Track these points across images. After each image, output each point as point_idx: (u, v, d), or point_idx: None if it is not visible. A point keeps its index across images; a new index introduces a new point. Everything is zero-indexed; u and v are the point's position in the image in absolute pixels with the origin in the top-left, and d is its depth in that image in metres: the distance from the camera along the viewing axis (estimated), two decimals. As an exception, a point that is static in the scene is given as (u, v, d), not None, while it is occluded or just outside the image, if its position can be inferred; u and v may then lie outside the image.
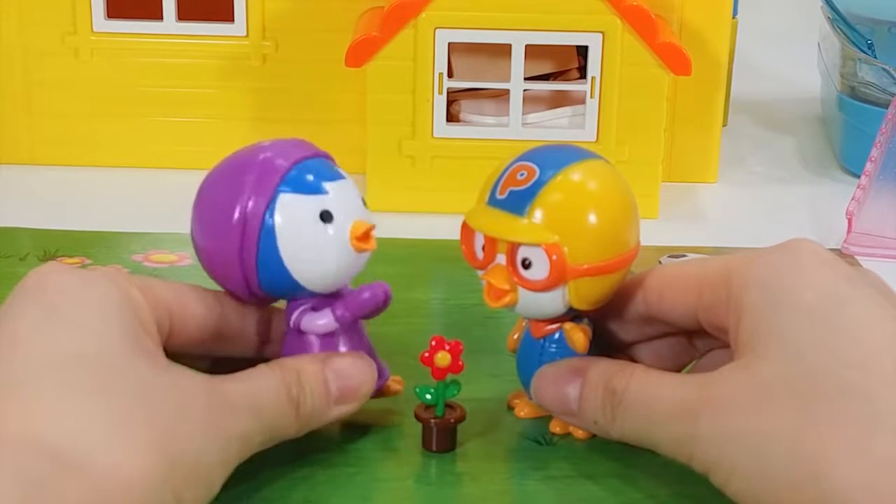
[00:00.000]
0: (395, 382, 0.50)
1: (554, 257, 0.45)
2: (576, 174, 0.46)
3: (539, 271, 0.45)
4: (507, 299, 0.46)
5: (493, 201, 0.46)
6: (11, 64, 0.75)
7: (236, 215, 0.45)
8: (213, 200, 0.46)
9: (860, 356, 0.40)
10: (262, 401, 0.44)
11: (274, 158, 0.46)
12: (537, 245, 0.45)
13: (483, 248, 0.47)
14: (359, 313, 0.47)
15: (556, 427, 0.49)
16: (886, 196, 0.69)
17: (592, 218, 0.45)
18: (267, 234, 0.45)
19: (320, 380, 0.45)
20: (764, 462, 0.40)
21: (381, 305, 0.47)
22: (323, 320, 0.47)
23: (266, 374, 0.44)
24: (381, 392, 0.49)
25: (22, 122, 0.76)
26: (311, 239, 0.45)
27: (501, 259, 0.46)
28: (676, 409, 0.43)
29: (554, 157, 0.47)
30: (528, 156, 0.47)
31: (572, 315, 0.48)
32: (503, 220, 0.46)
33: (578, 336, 0.47)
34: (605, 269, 0.46)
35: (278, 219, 0.45)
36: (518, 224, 0.46)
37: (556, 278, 0.45)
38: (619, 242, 0.46)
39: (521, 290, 0.46)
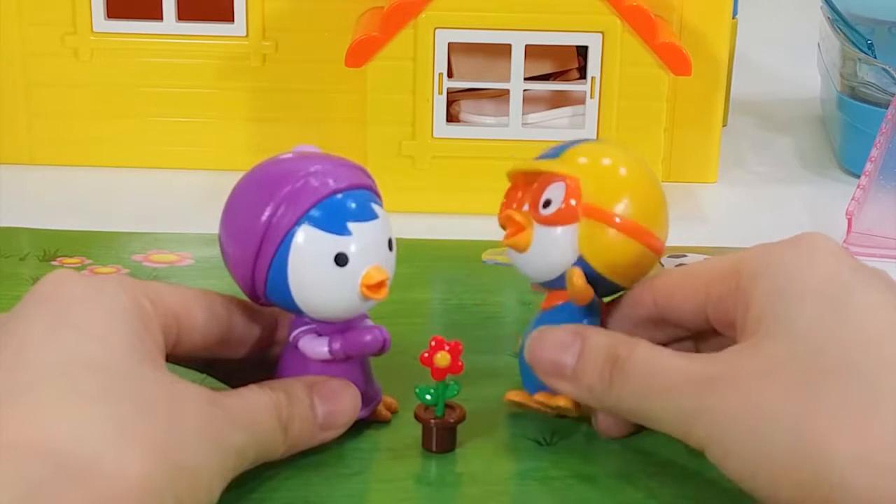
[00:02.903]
0: (386, 408, 0.49)
1: (569, 182, 0.47)
2: (607, 144, 0.49)
3: (556, 208, 0.47)
4: (520, 236, 0.47)
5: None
6: (11, 64, 0.75)
7: (262, 220, 0.45)
8: (246, 197, 0.46)
9: (863, 339, 0.41)
10: (257, 417, 0.44)
11: (316, 179, 0.45)
12: (559, 177, 0.47)
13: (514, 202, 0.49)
14: (354, 353, 0.47)
15: (514, 396, 0.49)
16: (886, 196, 0.69)
17: (620, 169, 0.48)
18: (282, 253, 0.45)
19: (308, 405, 0.46)
20: (765, 439, 0.40)
21: (377, 352, 0.47)
22: (318, 348, 0.47)
23: (258, 393, 0.45)
24: (370, 416, 0.49)
25: (22, 122, 0.76)
26: (320, 278, 0.45)
27: (527, 208, 0.48)
28: (681, 382, 0.43)
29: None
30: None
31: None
32: (535, 162, 0.49)
33: (578, 276, 0.47)
34: (619, 224, 0.47)
35: (294, 248, 0.45)
36: (547, 162, 0.48)
37: (568, 209, 0.47)
38: (639, 207, 0.47)
39: (535, 232, 0.47)
